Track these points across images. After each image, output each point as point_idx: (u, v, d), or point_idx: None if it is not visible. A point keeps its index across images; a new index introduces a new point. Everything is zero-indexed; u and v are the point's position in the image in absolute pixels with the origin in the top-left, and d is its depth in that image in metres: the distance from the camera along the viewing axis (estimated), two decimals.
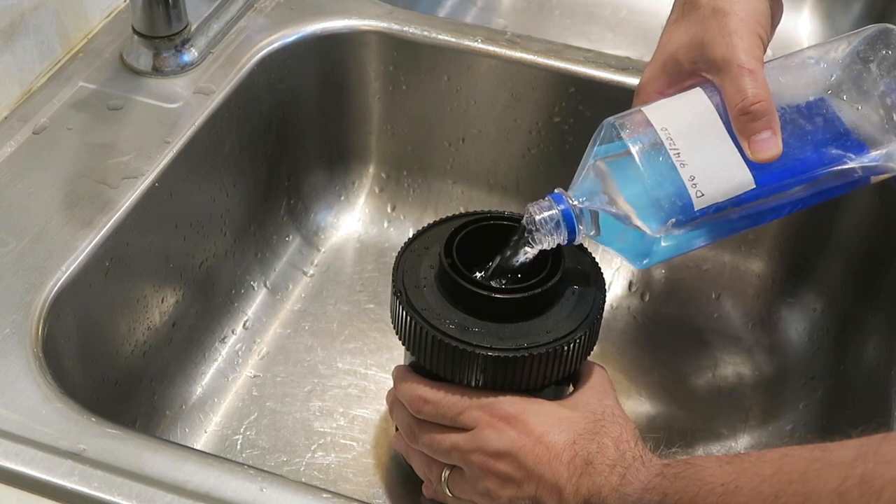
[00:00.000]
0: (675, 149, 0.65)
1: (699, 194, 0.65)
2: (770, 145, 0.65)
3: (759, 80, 0.65)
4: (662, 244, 0.67)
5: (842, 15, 1.29)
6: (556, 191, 0.69)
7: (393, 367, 0.75)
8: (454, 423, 0.69)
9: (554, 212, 0.68)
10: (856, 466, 0.50)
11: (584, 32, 1.27)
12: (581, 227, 0.68)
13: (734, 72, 0.66)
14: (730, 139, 0.66)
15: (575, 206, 0.68)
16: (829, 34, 1.27)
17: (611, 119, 0.69)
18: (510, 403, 0.67)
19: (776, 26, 0.71)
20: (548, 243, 0.69)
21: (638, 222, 0.66)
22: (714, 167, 0.65)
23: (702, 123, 0.66)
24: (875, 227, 0.88)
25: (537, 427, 0.66)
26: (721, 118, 0.66)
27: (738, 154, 0.66)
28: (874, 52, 0.68)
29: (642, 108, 0.68)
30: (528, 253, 0.70)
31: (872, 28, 0.70)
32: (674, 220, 0.65)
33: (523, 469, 0.65)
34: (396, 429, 0.76)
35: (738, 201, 0.66)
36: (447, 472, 0.71)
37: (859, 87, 0.68)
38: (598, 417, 0.67)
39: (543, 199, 0.69)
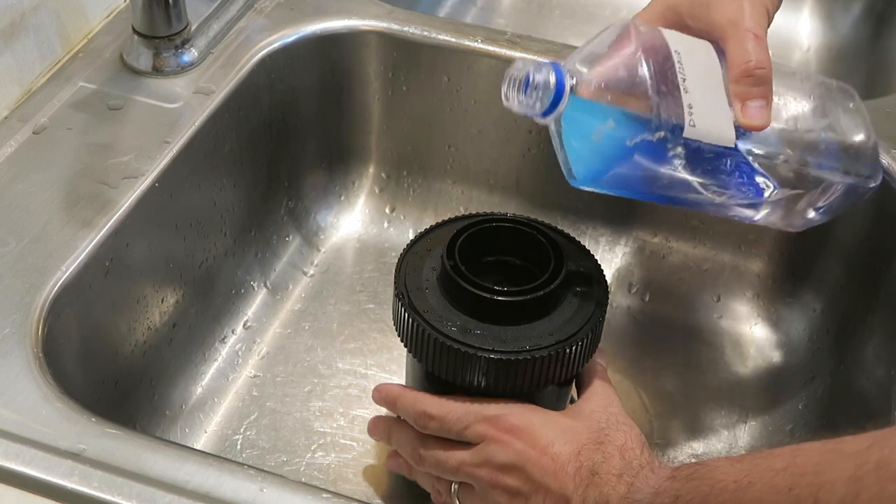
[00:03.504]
0: (682, 73, 0.64)
1: (692, 123, 0.63)
2: (763, 114, 0.64)
3: (764, 48, 0.64)
4: (617, 169, 0.64)
5: (842, 15, 1.28)
6: (557, 62, 0.65)
7: (393, 367, 0.75)
8: (460, 437, 0.69)
9: (550, 79, 0.64)
10: (871, 454, 0.49)
11: (584, 32, 1.27)
12: (562, 108, 0.64)
13: (741, 34, 0.64)
14: (725, 98, 0.65)
15: (571, 85, 0.64)
16: (829, 34, 1.26)
17: (629, 19, 0.66)
18: (516, 416, 0.67)
19: (778, 8, 0.70)
20: (521, 106, 0.65)
21: (625, 122, 0.63)
22: (709, 108, 0.64)
23: (708, 68, 0.65)
24: (875, 227, 0.87)
25: (542, 438, 0.66)
26: (721, 77, 0.65)
27: (729, 112, 0.64)
28: (833, 97, 0.68)
29: (660, 28, 0.66)
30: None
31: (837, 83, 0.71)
32: (662, 133, 0.63)
33: (531, 482, 0.65)
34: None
35: (713, 154, 0.65)
36: (456, 486, 0.71)
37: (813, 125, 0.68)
38: (602, 427, 0.66)
39: (546, 62, 0.64)
